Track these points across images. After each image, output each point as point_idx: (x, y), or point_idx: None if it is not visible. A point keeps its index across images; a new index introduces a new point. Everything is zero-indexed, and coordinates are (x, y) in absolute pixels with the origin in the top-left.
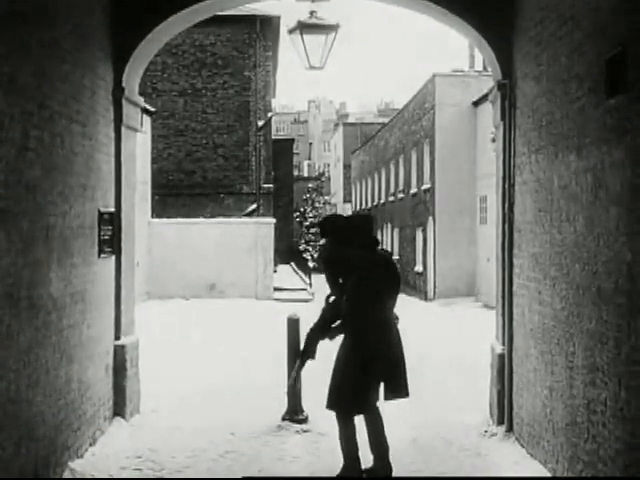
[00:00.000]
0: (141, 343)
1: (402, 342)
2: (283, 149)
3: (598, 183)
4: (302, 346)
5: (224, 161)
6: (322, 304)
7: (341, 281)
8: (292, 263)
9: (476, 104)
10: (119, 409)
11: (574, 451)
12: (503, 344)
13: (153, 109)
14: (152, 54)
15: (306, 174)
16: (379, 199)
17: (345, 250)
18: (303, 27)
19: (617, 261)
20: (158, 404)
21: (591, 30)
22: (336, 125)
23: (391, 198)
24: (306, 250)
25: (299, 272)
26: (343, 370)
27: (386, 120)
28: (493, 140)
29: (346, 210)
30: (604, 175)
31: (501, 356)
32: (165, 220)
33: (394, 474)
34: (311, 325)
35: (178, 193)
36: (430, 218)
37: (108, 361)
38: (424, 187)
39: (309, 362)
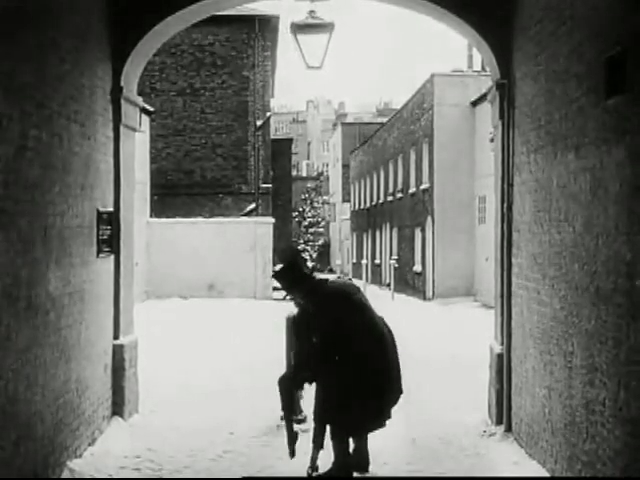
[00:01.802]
0: (140, 343)
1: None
2: (282, 149)
3: (597, 183)
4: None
5: (223, 161)
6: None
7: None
8: None
9: (475, 104)
10: (118, 409)
11: (573, 451)
12: (502, 344)
13: (152, 109)
14: (151, 54)
15: (305, 174)
16: (378, 199)
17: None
18: (297, 28)
19: (616, 261)
20: (157, 404)
21: (590, 30)
22: (335, 125)
23: (390, 198)
24: (305, 250)
25: None
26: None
27: (385, 120)
28: (492, 140)
29: (344, 210)
30: (603, 175)
31: (500, 356)
32: (164, 220)
33: (394, 474)
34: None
35: (177, 193)
36: (429, 218)
37: (107, 361)
38: (423, 187)
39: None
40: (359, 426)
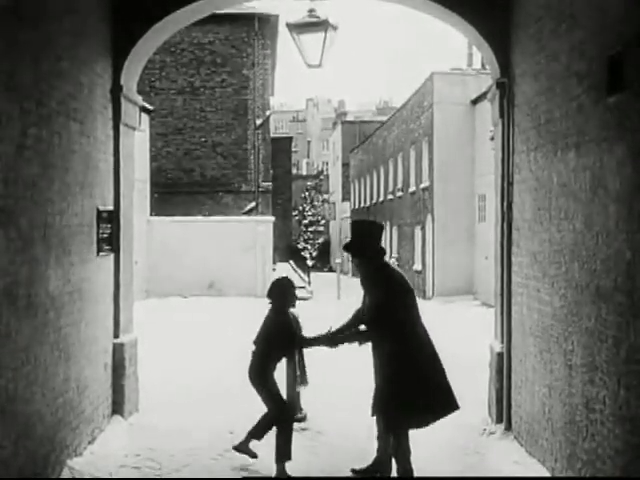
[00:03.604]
0: (140, 341)
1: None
2: (282, 147)
3: (597, 181)
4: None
5: (223, 159)
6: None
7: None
8: (291, 261)
9: (475, 102)
10: (118, 407)
11: (573, 450)
12: (502, 343)
13: (151, 107)
14: (151, 52)
15: (305, 172)
16: (378, 197)
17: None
18: (293, 27)
19: (616, 259)
20: (157, 403)
21: (591, 28)
22: (335, 123)
23: (390, 196)
24: (305, 248)
25: (298, 270)
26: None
27: (385, 118)
28: (492, 138)
29: (344, 208)
30: (603, 173)
31: (500, 355)
32: (164, 218)
33: (394, 474)
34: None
35: (177, 191)
36: (429, 216)
37: (107, 359)
38: (423, 185)
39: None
40: (404, 421)
